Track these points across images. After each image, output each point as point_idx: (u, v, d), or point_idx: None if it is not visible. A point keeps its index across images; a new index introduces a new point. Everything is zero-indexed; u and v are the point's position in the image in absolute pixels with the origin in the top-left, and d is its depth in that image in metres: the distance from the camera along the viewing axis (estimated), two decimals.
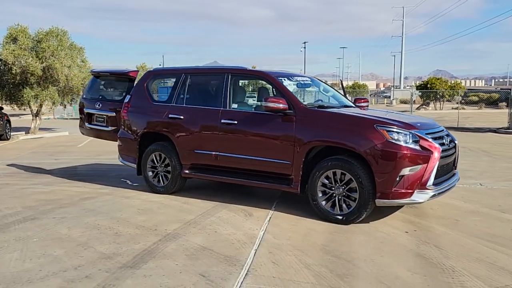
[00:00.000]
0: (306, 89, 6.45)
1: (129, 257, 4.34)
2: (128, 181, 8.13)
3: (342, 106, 6.42)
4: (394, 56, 58.15)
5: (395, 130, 5.10)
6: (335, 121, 5.49)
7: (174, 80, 7.06)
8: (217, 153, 6.25)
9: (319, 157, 5.61)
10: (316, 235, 5.02)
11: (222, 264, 4.16)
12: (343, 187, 5.31)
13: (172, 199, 6.61)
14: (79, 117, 8.54)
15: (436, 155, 5.11)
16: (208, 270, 4.00)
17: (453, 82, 38.40)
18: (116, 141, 7.97)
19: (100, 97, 8.05)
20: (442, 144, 5.34)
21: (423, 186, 5.06)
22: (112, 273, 3.97)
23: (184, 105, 6.73)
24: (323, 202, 5.45)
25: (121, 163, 7.73)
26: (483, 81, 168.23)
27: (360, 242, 4.77)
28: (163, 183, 6.90)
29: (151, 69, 7.44)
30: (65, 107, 23.15)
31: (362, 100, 6.99)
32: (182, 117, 6.60)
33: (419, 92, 32.92)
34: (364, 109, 6.64)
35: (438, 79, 35.57)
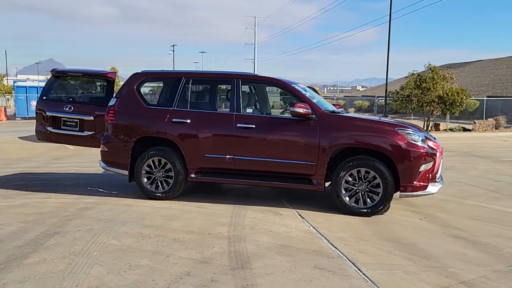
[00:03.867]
0: None
1: (225, 260, 4.41)
2: (100, 189, 7.65)
3: (339, 112, 7.11)
4: (254, 63, 61.20)
5: (411, 132, 5.98)
6: (360, 125, 6.15)
7: (171, 83, 6.94)
8: (233, 156, 6.40)
9: (338, 158, 6.21)
10: (357, 227, 5.62)
11: (320, 257, 4.51)
12: (366, 184, 6.00)
13: (182, 205, 6.55)
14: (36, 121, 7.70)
15: (438, 153, 6.14)
16: (317, 264, 4.33)
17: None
18: (91, 146, 7.52)
19: (70, 99, 7.43)
20: None
21: (433, 179, 6.05)
22: (232, 275, 4.05)
23: (189, 109, 6.70)
24: (347, 198, 6.07)
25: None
26: (318, 88, 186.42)
27: (400, 230, 5.52)
28: (163, 188, 6.76)
29: (141, 71, 7.17)
30: None
31: (337, 106, 7.81)
32: (188, 121, 6.58)
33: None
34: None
35: None
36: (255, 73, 6.80)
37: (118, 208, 6.35)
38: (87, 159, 11.58)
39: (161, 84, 7.27)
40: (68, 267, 4.19)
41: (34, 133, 7.83)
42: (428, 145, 6.04)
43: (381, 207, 5.97)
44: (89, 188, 7.79)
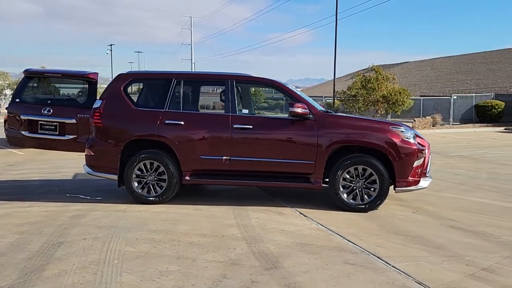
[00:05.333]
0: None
1: (253, 261, 4.41)
2: (81, 196, 7.28)
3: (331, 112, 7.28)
4: (191, 63, 60.64)
5: (404, 130, 6.28)
6: (357, 125, 6.34)
7: (160, 84, 6.78)
8: (229, 157, 6.38)
9: (334, 156, 6.36)
10: (361, 222, 5.81)
11: (344, 253, 4.63)
12: (363, 180, 6.22)
13: (178, 208, 6.42)
14: (6, 126, 7.20)
15: (427, 149, 6.49)
16: (345, 260, 4.44)
17: (253, 90, 42.91)
18: (73, 151, 7.18)
19: (49, 101, 7.02)
20: None
21: (424, 174, 6.39)
22: (269, 275, 4.07)
23: (182, 110, 6.59)
24: (345, 195, 6.25)
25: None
26: (253, 89, 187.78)
27: (401, 224, 5.78)
28: (156, 192, 6.59)
29: (126, 72, 6.93)
30: None
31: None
32: (182, 122, 6.46)
33: None
34: None
35: None
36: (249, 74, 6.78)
37: (113, 214, 6.10)
38: (47, 165, 10.97)
39: (148, 85, 7.03)
40: (95, 277, 4.00)
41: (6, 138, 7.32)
42: (418, 142, 6.36)
43: (378, 203, 6.21)
44: (67, 195, 7.39)
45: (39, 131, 7.01)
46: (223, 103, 6.72)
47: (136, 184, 6.59)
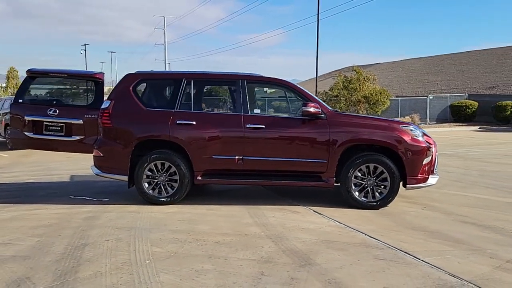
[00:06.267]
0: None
1: (285, 258, 4.45)
2: (86, 198, 7.18)
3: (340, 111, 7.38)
4: (170, 64, 60.25)
5: (413, 128, 6.44)
6: (368, 123, 6.45)
7: (170, 84, 6.76)
8: (242, 157, 6.40)
9: (346, 154, 6.46)
10: (376, 219, 5.93)
11: (371, 249, 4.73)
12: (374, 178, 6.35)
13: (192, 208, 6.41)
14: (8, 127, 7.01)
15: (434, 147, 6.67)
16: (375, 255, 4.54)
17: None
18: (78, 152, 7.07)
19: (54, 102, 6.88)
20: None
21: (432, 172, 6.56)
22: (307, 271, 4.12)
23: (193, 110, 6.58)
24: (357, 193, 6.37)
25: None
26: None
27: (414, 220, 5.93)
28: (167, 193, 6.55)
29: (135, 72, 6.86)
30: None
31: None
32: (194, 122, 6.45)
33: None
34: None
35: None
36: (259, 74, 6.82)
37: (127, 216, 6.05)
38: (37, 167, 10.75)
39: (158, 85, 6.98)
40: (133, 277, 3.98)
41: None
42: (426, 140, 6.53)
43: (390, 200, 6.35)
44: (71, 197, 7.27)
45: (44, 132, 6.85)
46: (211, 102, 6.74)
47: (146, 185, 6.54)
